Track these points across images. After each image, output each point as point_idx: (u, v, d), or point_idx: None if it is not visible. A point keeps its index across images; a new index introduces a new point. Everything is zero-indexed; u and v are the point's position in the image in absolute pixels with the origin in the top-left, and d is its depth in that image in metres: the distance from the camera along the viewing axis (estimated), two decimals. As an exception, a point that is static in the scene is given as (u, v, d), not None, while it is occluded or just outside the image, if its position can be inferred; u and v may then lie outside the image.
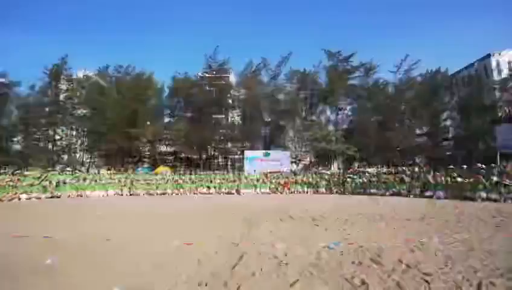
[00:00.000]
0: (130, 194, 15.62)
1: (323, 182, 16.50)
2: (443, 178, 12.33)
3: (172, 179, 17.48)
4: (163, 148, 38.01)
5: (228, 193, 16.62)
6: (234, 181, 17.46)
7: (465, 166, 14.36)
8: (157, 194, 16.08)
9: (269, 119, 35.91)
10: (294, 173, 20.87)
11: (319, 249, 4.37)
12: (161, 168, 25.24)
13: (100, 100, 32.46)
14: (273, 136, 32.98)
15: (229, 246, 4.61)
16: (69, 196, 14.21)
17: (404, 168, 15.97)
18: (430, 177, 12.86)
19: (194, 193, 16.74)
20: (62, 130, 37.23)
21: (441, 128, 34.96)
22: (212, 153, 39.20)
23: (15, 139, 33.58)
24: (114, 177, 16.91)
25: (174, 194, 16.38)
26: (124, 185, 15.94)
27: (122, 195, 15.50)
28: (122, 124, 31.00)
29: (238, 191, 16.66)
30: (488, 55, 55.79)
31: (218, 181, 17.47)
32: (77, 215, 8.47)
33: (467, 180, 11.31)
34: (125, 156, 35.43)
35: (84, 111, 34.95)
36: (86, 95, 33.96)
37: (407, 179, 13.39)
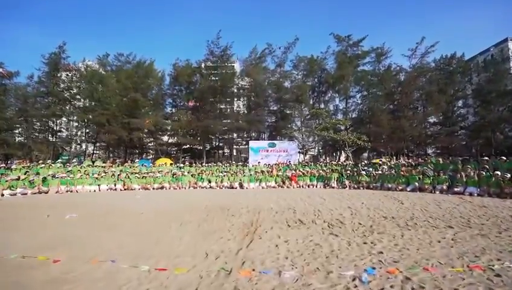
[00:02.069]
0: (125, 189, 14.45)
1: (335, 175, 15.03)
2: (475, 172, 10.74)
3: (170, 171, 16.21)
4: (166, 139, 36.98)
5: (231, 187, 15.34)
6: (237, 174, 16.12)
7: (486, 158, 12.82)
8: (153, 188, 14.89)
9: (275, 108, 34.33)
10: (306, 163, 19.47)
11: (348, 283, 2.99)
12: (162, 160, 24.09)
13: (99, 89, 31.31)
14: (279, 125, 31.39)
15: (218, 277, 3.24)
16: (58, 191, 13.10)
17: (426, 158, 14.34)
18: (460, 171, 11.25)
19: (194, 187, 15.51)
20: (63, 122, 36.49)
21: (456, 117, 32.91)
22: (217, 143, 38.04)
23: (16, 131, 32.91)
24: (108, 171, 15.73)
25: (172, 189, 15.18)
26: (118, 179, 14.77)
27: (115, 190, 14.36)
28: (122, 114, 29.89)
29: (241, 185, 15.35)
30: (505, 40, 52.77)
31: (220, 174, 16.16)
32: (38, 219, 7.20)
33: (509, 175, 9.68)
34: (128, 147, 34.50)
35: (84, 101, 33.93)
36: (85, 84, 32.75)
37: (430, 173, 11.82)
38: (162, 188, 15.02)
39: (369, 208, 7.87)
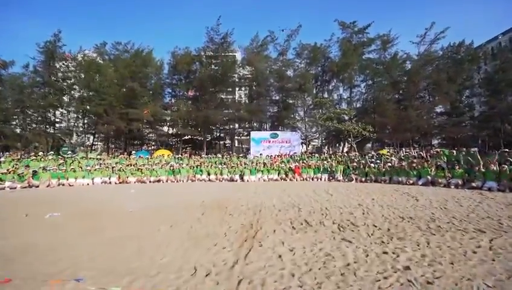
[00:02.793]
0: (120, 182, 13.81)
1: (341, 167, 14.28)
2: (495, 164, 9.90)
3: (167, 164, 15.52)
4: (166, 130, 36.26)
5: (231, 180, 14.65)
6: (237, 166, 15.40)
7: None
8: (150, 181, 14.23)
9: (277, 98, 33.36)
10: (311, 154, 18.67)
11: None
12: (160, 152, 23.42)
13: (96, 79, 30.46)
14: (281, 115, 30.50)
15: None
16: (49, 185, 12.46)
17: (438, 150, 13.51)
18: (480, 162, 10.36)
19: (192, 180, 14.84)
20: (62, 113, 35.82)
21: (464, 107, 31.79)
22: (218, 134, 37.29)
23: (13, 122, 32.28)
24: (104, 163, 15.06)
25: (169, 182, 14.52)
26: (113, 172, 14.10)
27: (110, 183, 13.72)
28: (119, 105, 29.10)
29: (241, 178, 14.65)
30: (514, 28, 50.99)
31: (220, 166, 15.45)
32: (13, 219, 6.54)
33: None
34: (128, 138, 33.84)
35: (82, 91, 33.09)
36: (82, 74, 31.83)
37: (444, 165, 10.99)
38: (158, 181, 14.36)
39: (381, 205, 7.13)
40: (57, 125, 34.18)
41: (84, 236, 4.89)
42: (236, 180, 14.51)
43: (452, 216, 5.85)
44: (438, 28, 31.13)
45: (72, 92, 33.78)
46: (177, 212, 6.75)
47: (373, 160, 14.14)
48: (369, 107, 32.97)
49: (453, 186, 10.12)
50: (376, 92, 31.83)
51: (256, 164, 15.64)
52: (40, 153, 16.32)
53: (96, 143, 37.19)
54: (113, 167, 14.33)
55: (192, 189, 11.67)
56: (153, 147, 34.92)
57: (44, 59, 30.79)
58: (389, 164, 12.96)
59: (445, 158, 11.83)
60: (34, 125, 31.82)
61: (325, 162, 15.10)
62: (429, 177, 10.94)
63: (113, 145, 37.09)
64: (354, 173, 13.61)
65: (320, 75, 34.61)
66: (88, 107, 30.92)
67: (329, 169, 14.35)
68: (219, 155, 18.34)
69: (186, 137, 34.07)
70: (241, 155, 18.71)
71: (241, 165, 15.47)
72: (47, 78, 30.49)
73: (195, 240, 4.58)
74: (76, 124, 36.60)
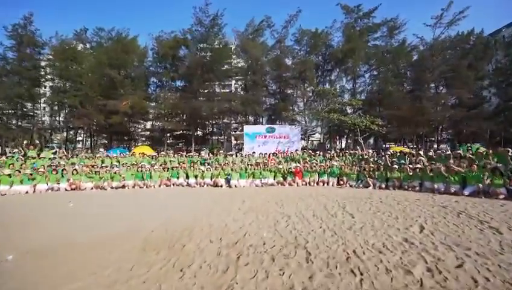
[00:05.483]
0: (72, 189, 10.74)
1: (354, 169, 11.30)
2: None
3: (135, 165, 12.39)
4: (151, 125, 33.16)
5: (215, 185, 11.63)
6: (222, 167, 12.36)
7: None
8: (112, 187, 11.18)
9: (274, 88, 30.32)
10: (313, 151, 15.68)
11: None
12: (140, 149, 20.35)
13: (72, 68, 27.20)
14: (279, 107, 27.44)
15: None
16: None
17: (481, 150, 10.53)
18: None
19: (166, 185, 11.82)
20: (39, 106, 32.59)
21: (477, 98, 28.93)
22: (211, 129, 34.33)
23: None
24: (52, 164, 11.94)
25: (137, 187, 11.49)
26: (62, 176, 11.02)
27: (58, 190, 10.65)
28: (96, 95, 25.91)
29: (228, 182, 11.65)
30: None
31: (201, 167, 12.40)
32: None
33: None
34: (113, 134, 30.69)
35: (58, 81, 29.81)
36: (58, 62, 28.49)
37: (503, 170, 8.00)
38: (123, 187, 11.31)
39: (449, 246, 4.11)
40: (36, 119, 31.05)
41: None
42: (221, 186, 11.49)
43: None
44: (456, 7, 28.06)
45: (47, 82, 30.56)
46: (89, 265, 3.71)
47: (394, 160, 11.13)
48: (374, 99, 30.05)
49: (521, 200, 7.19)
50: (382, 83, 28.89)
51: (248, 164, 12.59)
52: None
53: (86, 139, 34.11)
54: (62, 170, 11.23)
55: (153, 202, 8.60)
56: (141, 144, 31.86)
57: (13, 44, 27.53)
58: (418, 166, 9.95)
59: (496, 159, 8.86)
60: (4, 119, 28.63)
61: (334, 162, 12.08)
62: (480, 185, 7.97)
63: (99, 142, 34.04)
64: (371, 176, 10.62)
65: (321, 64, 31.67)
66: (65, 99, 27.68)
67: (339, 172, 11.37)
68: (202, 153, 15.22)
69: (177, 132, 31.07)
70: (230, 153, 15.65)
71: (227, 165, 12.41)
72: (16, 65, 27.24)
73: None
74: (53, 118, 33.48)
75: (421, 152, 11.82)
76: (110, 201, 8.76)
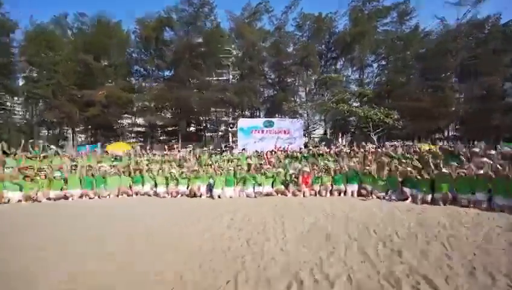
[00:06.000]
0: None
1: (381, 173, 8.21)
2: None
3: (84, 167, 9.23)
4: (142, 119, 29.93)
5: (192, 195, 8.54)
6: (204, 171, 9.25)
7: None
8: (49, 199, 8.11)
9: (273, 77, 27.21)
10: (327, 152, 12.41)
11: None
12: (115, 146, 17.31)
13: (48, 55, 23.92)
14: (278, 98, 24.30)
15: None
16: None
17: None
18: None
19: (127, 195, 8.75)
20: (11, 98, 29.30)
21: (493, 92, 25.81)
22: (205, 124, 31.27)
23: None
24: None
25: (86, 198, 8.41)
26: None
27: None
28: (70, 85, 22.69)
29: (210, 192, 8.56)
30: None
31: (173, 171, 9.27)
32: None
33: None
34: (96, 129, 27.49)
35: (30, 71, 26.49)
36: (32, 49, 25.12)
37: None
38: (65, 198, 8.24)
39: None
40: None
41: None
42: (200, 196, 8.42)
43: None
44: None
45: (19, 73, 27.25)
46: None
47: (438, 161, 8.02)
48: (382, 91, 26.99)
49: None
50: (392, 73, 25.89)
51: (237, 167, 9.50)
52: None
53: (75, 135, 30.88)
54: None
55: (95, 226, 5.54)
56: (131, 140, 28.67)
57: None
58: (481, 171, 6.88)
59: None
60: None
61: (353, 163, 8.95)
62: None
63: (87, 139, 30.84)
64: (406, 185, 7.56)
65: (324, 53, 28.57)
66: (37, 90, 24.38)
67: (363, 177, 8.29)
68: (182, 152, 12.02)
69: (169, 128, 28.03)
70: (218, 150, 12.56)
71: (213, 169, 9.26)
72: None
73: None
74: (27, 112, 30.17)
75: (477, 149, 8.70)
76: (32, 224, 5.67)
